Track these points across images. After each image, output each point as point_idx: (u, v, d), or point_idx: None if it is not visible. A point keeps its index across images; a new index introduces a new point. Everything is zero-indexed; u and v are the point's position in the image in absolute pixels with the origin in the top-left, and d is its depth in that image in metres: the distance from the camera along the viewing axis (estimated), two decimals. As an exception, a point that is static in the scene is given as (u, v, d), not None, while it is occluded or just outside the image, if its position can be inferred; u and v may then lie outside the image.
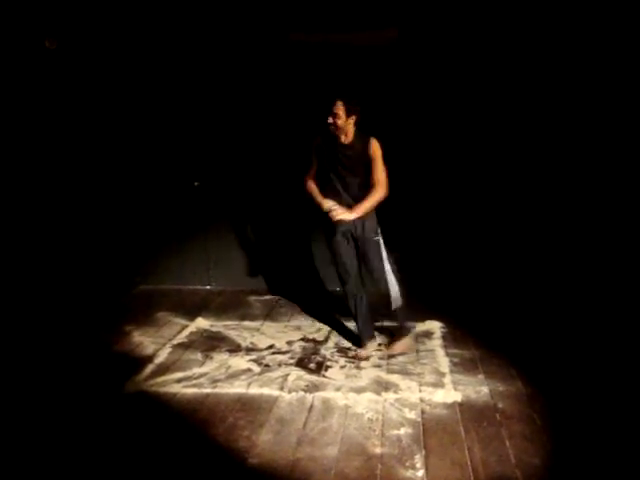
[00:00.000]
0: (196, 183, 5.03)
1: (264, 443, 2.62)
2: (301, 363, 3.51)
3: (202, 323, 4.25)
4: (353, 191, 3.50)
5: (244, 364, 3.50)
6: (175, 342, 3.89)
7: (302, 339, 3.92)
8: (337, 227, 3.49)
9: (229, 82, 4.82)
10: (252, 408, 2.95)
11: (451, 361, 3.49)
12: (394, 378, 3.27)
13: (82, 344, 3.85)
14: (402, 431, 2.71)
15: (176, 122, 4.93)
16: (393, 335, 3.71)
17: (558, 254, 4.53)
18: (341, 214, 3.39)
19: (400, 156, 4.59)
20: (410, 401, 2.99)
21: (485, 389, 3.11)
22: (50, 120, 4.47)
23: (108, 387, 3.19)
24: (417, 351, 3.67)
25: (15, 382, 3.29)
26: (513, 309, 4.37)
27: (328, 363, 3.51)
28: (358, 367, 3.45)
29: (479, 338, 3.81)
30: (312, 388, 3.16)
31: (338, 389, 3.15)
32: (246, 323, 4.25)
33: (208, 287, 5.16)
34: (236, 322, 4.27)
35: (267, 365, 3.49)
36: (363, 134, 3.46)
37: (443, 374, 3.31)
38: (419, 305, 4.52)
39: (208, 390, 3.16)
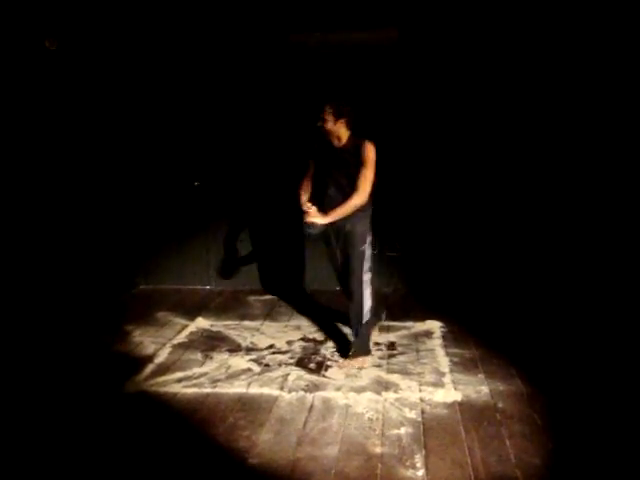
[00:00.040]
0: (196, 183, 5.03)
1: (264, 443, 2.62)
2: (301, 363, 3.51)
3: (202, 323, 4.26)
4: (347, 194, 3.40)
5: (244, 364, 3.50)
6: (175, 342, 3.89)
7: (302, 339, 3.93)
8: (328, 228, 3.46)
9: (229, 83, 4.83)
10: (252, 408, 2.95)
11: (451, 361, 3.49)
12: (394, 378, 3.27)
13: (82, 344, 3.85)
14: (402, 431, 2.71)
15: (176, 122, 4.94)
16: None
17: (558, 254, 4.54)
18: (313, 216, 3.36)
19: (400, 156, 4.62)
20: (410, 401, 3.00)
21: (485, 389, 3.11)
22: (50, 121, 4.47)
23: (108, 387, 3.19)
24: (417, 351, 3.67)
25: (15, 382, 3.29)
26: (513, 309, 4.37)
27: (328, 363, 3.51)
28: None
29: (479, 338, 3.82)
30: (312, 388, 3.16)
31: (338, 389, 3.15)
32: (246, 323, 4.26)
33: (208, 287, 5.17)
34: (236, 322, 4.27)
35: (267, 365, 3.49)
36: (358, 137, 3.39)
37: (443, 374, 3.31)
38: (419, 305, 4.55)
39: (208, 390, 3.16)
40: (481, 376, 3.27)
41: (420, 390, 3.11)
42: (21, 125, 4.25)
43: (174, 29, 4.76)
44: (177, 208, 5.09)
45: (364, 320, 3.46)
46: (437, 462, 2.46)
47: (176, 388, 3.19)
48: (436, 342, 3.81)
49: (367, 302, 3.46)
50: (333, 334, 3.96)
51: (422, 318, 4.20)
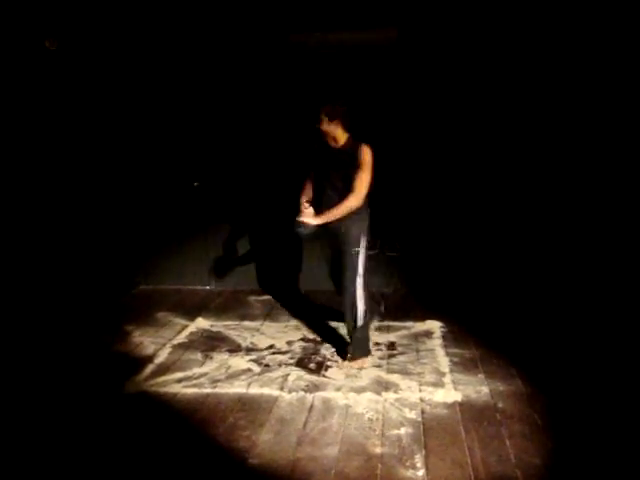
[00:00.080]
0: (196, 183, 5.03)
1: (264, 443, 2.63)
2: (301, 363, 3.51)
3: (202, 323, 4.26)
4: (343, 196, 3.36)
5: (244, 364, 3.51)
6: (175, 342, 3.89)
7: (302, 339, 3.93)
8: (323, 229, 3.43)
9: (229, 83, 4.82)
10: (252, 408, 2.95)
11: (451, 361, 3.49)
12: (394, 378, 3.27)
13: (82, 344, 3.85)
14: (402, 431, 2.71)
15: (176, 123, 4.94)
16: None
17: (558, 254, 4.53)
18: (306, 216, 3.36)
19: (400, 156, 4.62)
20: (410, 401, 3.00)
21: (485, 389, 3.11)
22: (50, 121, 4.47)
23: (108, 387, 3.20)
24: (417, 351, 3.67)
25: (16, 382, 3.29)
26: (513, 309, 4.37)
27: (328, 363, 3.51)
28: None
29: (479, 338, 3.82)
30: (312, 388, 3.16)
31: (338, 389, 3.15)
32: (246, 323, 4.26)
33: (208, 287, 5.17)
34: (236, 322, 4.27)
35: (267, 365, 3.49)
36: (356, 140, 3.37)
37: (443, 374, 3.31)
38: (419, 305, 4.55)
39: (208, 390, 3.16)
40: (481, 376, 3.27)
41: (420, 390, 3.11)
42: (21, 125, 4.25)
43: (174, 29, 4.76)
44: (177, 208, 5.08)
45: (358, 324, 3.42)
46: (437, 462, 2.46)
47: (176, 388, 3.19)
48: (436, 342, 3.81)
49: (360, 305, 3.40)
50: (333, 334, 3.96)
51: (422, 318, 4.21)
